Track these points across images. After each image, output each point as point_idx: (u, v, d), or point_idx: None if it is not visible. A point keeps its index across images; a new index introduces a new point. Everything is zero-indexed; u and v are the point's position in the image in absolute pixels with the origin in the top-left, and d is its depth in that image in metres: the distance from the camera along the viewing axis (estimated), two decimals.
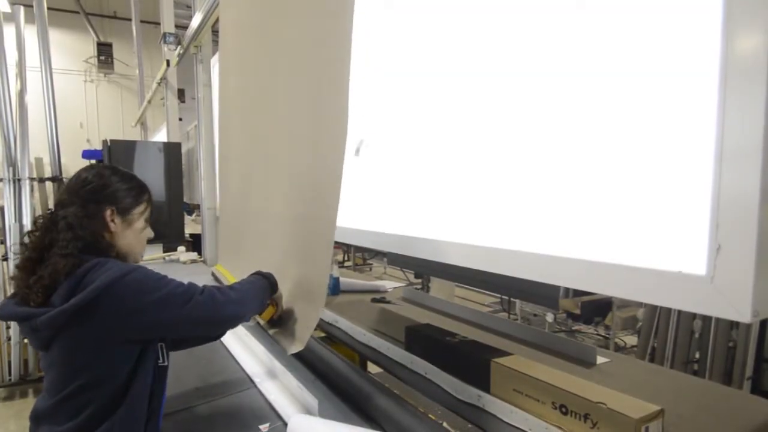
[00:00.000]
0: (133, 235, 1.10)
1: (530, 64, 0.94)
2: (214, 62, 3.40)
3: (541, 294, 1.54)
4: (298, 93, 1.55)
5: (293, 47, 1.59)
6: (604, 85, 0.80)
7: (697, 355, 3.17)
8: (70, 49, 10.46)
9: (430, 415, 1.13)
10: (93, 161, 6.44)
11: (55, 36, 8.31)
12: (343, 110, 1.20)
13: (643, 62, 0.75)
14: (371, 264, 7.56)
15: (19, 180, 4.06)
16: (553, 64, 0.89)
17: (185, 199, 5.09)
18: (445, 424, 1.11)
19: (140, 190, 1.14)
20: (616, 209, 0.79)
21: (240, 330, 1.90)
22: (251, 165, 2.09)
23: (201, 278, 3.02)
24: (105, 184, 1.07)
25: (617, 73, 0.78)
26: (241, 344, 1.77)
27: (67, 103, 9.23)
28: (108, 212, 1.05)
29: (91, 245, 0.99)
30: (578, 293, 3.90)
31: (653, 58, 0.73)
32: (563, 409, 0.98)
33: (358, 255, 7.44)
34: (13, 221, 3.97)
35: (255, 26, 2.00)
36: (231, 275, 2.56)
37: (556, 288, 1.64)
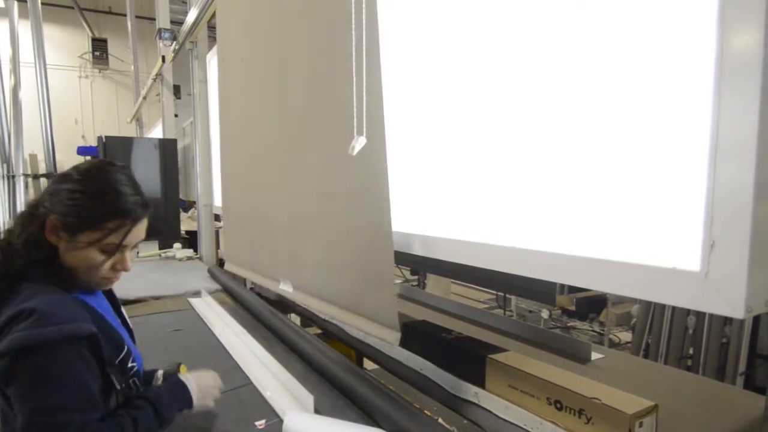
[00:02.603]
0: (78, 259, 0.86)
1: (528, 63, 0.94)
2: (210, 58, 3.39)
3: (538, 290, 1.54)
4: (324, 89, 1.51)
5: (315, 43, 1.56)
6: (601, 82, 0.80)
7: (691, 351, 3.19)
8: (65, 44, 10.38)
9: (425, 411, 1.14)
10: (88, 158, 6.41)
11: (50, 31, 8.25)
12: (378, 93, 1.18)
13: (639, 60, 0.75)
14: None
15: (13, 176, 4.04)
16: (551, 62, 0.89)
17: (181, 196, 5.07)
18: (440, 420, 1.12)
19: (105, 212, 0.86)
20: (611, 206, 0.79)
21: (236, 327, 1.90)
22: (264, 161, 2.06)
23: (197, 275, 3.01)
24: (64, 188, 0.87)
25: (613, 71, 0.78)
26: (238, 341, 1.77)
27: (61, 99, 9.17)
28: (49, 221, 0.86)
29: (35, 257, 0.85)
30: (573, 290, 3.93)
31: (649, 56, 0.73)
32: (558, 405, 0.99)
33: None
34: (7, 218, 3.96)
35: (264, 17, 1.97)
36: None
37: (553, 284, 1.65)
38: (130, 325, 1.07)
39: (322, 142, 1.56)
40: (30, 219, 0.88)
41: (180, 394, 0.99)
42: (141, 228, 0.91)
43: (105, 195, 0.87)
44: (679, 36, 0.69)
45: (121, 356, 0.90)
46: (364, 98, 1.20)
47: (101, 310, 0.93)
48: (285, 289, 1.95)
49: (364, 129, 1.20)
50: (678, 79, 0.69)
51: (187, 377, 1.04)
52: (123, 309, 1.06)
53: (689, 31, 0.68)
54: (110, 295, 1.04)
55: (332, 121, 1.48)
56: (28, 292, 0.81)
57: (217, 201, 3.40)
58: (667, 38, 0.71)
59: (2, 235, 0.91)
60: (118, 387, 0.87)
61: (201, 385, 1.04)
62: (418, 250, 1.26)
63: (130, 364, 0.92)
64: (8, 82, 4.24)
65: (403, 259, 1.47)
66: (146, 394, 0.93)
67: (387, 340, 1.32)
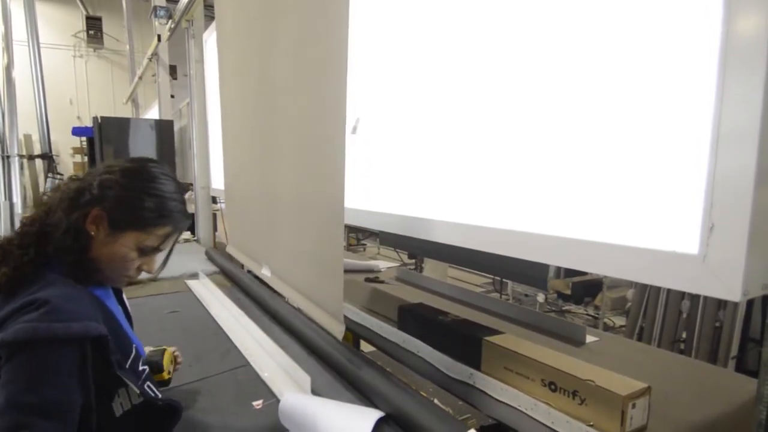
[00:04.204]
0: (111, 254, 0.86)
1: (520, 42, 0.92)
2: (207, 37, 3.33)
3: (531, 275, 1.56)
4: (300, 70, 1.52)
5: (294, 25, 1.56)
6: (602, 62, 0.79)
7: (684, 335, 3.22)
8: (58, 22, 10.19)
9: (421, 393, 1.15)
10: (84, 138, 6.34)
11: (42, 9, 8.10)
12: (342, 88, 1.19)
13: (641, 40, 0.74)
14: (365, 244, 7.59)
15: (8, 157, 4.01)
16: (543, 41, 0.88)
17: (178, 178, 5.05)
18: (436, 401, 1.13)
19: (158, 218, 0.87)
20: (610, 189, 0.79)
21: (234, 309, 1.90)
22: (251, 142, 2.07)
23: (195, 257, 3.01)
24: (118, 182, 0.86)
25: (615, 51, 0.77)
26: (235, 322, 1.77)
27: (56, 79, 9.03)
28: (95, 211, 0.85)
29: (69, 246, 0.83)
30: (570, 274, 3.95)
31: (652, 36, 0.72)
32: (552, 386, 1.00)
33: (352, 235, 7.45)
34: (3, 199, 3.94)
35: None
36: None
37: (545, 269, 1.66)
38: (130, 312, 1.05)
39: (295, 127, 1.57)
40: (72, 206, 0.85)
41: None
42: (176, 234, 0.93)
43: (162, 201, 0.88)
44: (683, 17, 0.68)
45: (131, 359, 0.88)
46: (347, 81, 1.21)
47: (112, 306, 0.91)
48: (265, 273, 1.96)
49: (346, 110, 1.21)
50: (681, 60, 0.68)
51: None
52: (124, 295, 1.05)
53: (694, 13, 0.67)
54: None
55: (304, 108, 1.49)
56: (46, 281, 0.80)
57: (215, 183, 3.39)
58: (671, 19, 0.70)
59: (33, 215, 0.87)
60: (138, 390, 0.85)
61: None
62: (415, 233, 1.26)
63: (141, 367, 0.91)
64: (1, 61, 4.17)
65: (400, 242, 1.48)
66: None
67: (332, 332, 1.34)
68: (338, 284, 1.31)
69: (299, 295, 1.65)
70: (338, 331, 1.32)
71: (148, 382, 0.92)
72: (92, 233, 0.85)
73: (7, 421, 0.71)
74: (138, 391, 0.85)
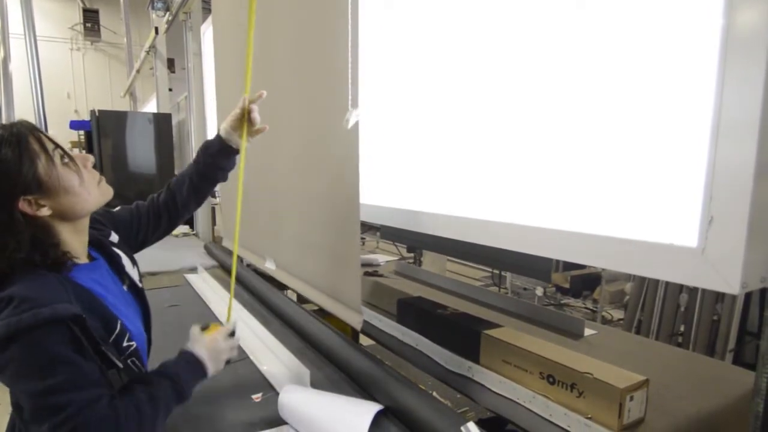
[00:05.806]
0: (65, 192, 0.84)
1: (518, 35, 0.92)
2: (205, 30, 3.31)
3: (534, 267, 1.56)
4: (306, 65, 1.50)
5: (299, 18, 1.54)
6: (601, 53, 0.79)
7: (682, 328, 3.23)
8: (55, 15, 10.13)
9: (420, 386, 1.15)
10: (81, 132, 6.31)
11: (39, 1, 8.02)
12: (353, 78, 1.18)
13: (642, 32, 0.73)
14: (364, 238, 7.58)
15: None
16: (541, 33, 0.87)
17: (176, 172, 5.03)
18: (434, 394, 1.13)
19: (16, 146, 0.81)
20: (609, 182, 0.79)
21: (232, 302, 1.90)
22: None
23: (193, 251, 3.01)
24: None
25: (615, 43, 0.77)
26: (235, 316, 1.78)
27: (53, 73, 9.00)
28: (25, 204, 0.80)
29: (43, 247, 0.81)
30: (568, 267, 3.95)
31: (653, 27, 0.72)
32: (550, 379, 1.00)
33: None
34: None
35: None
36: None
37: (549, 261, 1.66)
38: (141, 287, 1.04)
39: (303, 119, 1.56)
40: (7, 230, 0.80)
41: (197, 369, 0.96)
42: (45, 137, 0.87)
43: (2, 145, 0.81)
44: (684, 9, 0.68)
45: (115, 335, 0.87)
46: (349, 71, 1.19)
47: (93, 285, 0.89)
48: (269, 267, 1.95)
49: (358, 101, 1.19)
50: (682, 52, 0.68)
51: (201, 347, 0.99)
52: (131, 270, 1.03)
53: (695, 4, 0.66)
54: (115, 262, 1.01)
55: (314, 98, 1.47)
56: (13, 280, 0.79)
57: None
58: (672, 10, 0.69)
59: None
60: (120, 365, 0.85)
61: (213, 354, 1.00)
62: (415, 227, 1.26)
63: (125, 343, 0.89)
64: None
65: (399, 236, 1.47)
66: (163, 371, 0.90)
67: (350, 322, 1.34)
68: (356, 276, 1.32)
69: (310, 288, 1.65)
70: (357, 321, 1.32)
71: (133, 358, 0.90)
72: (47, 212, 0.83)
73: (45, 411, 0.73)
74: (121, 366, 0.85)
